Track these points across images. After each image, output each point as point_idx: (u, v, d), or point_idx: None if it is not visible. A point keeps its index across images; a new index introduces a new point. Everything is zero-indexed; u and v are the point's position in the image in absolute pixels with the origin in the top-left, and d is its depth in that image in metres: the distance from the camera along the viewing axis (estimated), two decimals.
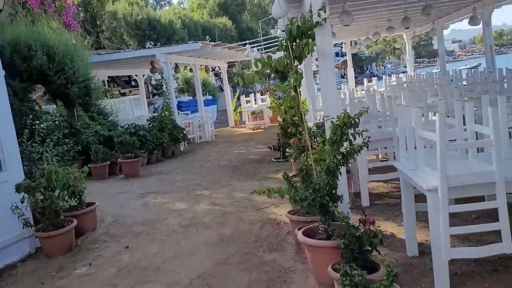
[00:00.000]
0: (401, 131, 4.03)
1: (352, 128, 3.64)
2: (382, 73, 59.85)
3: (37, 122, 10.41)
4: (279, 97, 9.69)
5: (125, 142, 9.29)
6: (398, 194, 5.94)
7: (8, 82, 9.88)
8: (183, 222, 5.82)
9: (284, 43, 4.99)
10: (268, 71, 5.22)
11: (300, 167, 4.08)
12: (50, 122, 10.34)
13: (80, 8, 25.11)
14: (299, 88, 5.00)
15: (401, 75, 15.57)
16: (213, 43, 12.85)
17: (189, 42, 12.41)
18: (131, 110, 17.55)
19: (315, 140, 6.08)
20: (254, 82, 5.28)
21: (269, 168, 8.82)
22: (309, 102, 10.70)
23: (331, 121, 3.82)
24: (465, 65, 51.29)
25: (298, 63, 5.03)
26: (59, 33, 10.96)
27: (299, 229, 4.18)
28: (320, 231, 3.75)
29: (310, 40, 4.77)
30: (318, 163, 4.95)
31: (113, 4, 27.81)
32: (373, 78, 18.77)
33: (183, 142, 12.39)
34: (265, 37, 27.42)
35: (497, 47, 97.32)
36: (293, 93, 5.49)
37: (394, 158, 5.64)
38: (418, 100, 6.26)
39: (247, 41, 15.63)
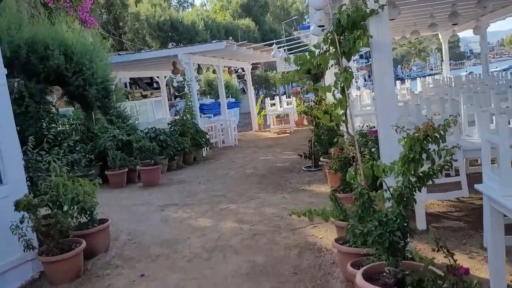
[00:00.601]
0: (486, 144, 3.17)
1: (435, 143, 2.78)
2: (407, 76, 58.29)
3: (54, 125, 9.85)
4: (310, 100, 8.83)
5: (144, 148, 8.58)
6: (459, 215, 5.05)
7: (25, 83, 9.38)
8: (207, 244, 5.03)
9: (330, 37, 4.17)
10: (308, 70, 4.41)
11: (359, 191, 3.25)
12: (66, 126, 9.73)
13: (103, 10, 24.77)
14: (348, 89, 4.17)
15: (437, 76, 14.56)
16: (238, 43, 12.11)
17: (214, 41, 11.70)
18: (152, 113, 16.96)
19: (361, 151, 5.22)
20: (288, 83, 4.45)
21: (300, 178, 7.99)
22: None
23: (407, 133, 2.94)
24: (496, 67, 49.40)
25: (346, 60, 4.20)
26: (77, 32, 10.37)
27: (353, 265, 3.36)
28: (385, 274, 2.91)
29: (363, 32, 3.94)
30: (368, 179, 4.15)
31: (136, 5, 27.40)
32: (396, 81, 17.75)
33: (205, 148, 11.66)
34: (288, 38, 26.58)
35: None
36: (336, 95, 4.69)
37: (455, 172, 4.75)
38: (485, 104, 5.35)
39: (274, 41, 14.82)
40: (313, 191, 6.99)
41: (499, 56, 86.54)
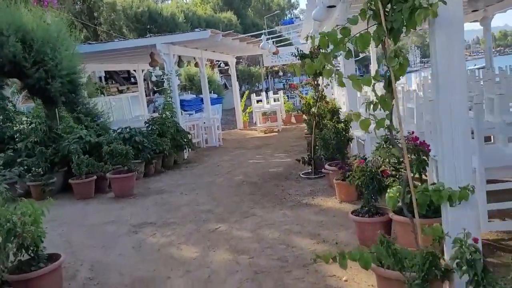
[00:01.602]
0: None
1: None
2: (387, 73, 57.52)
3: (9, 124, 8.38)
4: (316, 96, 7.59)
5: (116, 152, 7.19)
6: None
7: None
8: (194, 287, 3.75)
9: (372, 7, 2.92)
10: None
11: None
12: (24, 125, 8.28)
13: None
14: (401, 78, 2.92)
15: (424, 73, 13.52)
16: (223, 32, 10.79)
17: (196, 30, 10.34)
18: (128, 110, 15.47)
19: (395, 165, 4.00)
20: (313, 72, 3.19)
21: (299, 188, 6.75)
22: (345, 102, 8.67)
23: None
24: (474, 65, 49.10)
25: (393, 42, 2.96)
26: (38, 16, 8.89)
27: None
28: None
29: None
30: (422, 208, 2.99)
31: None
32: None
33: (187, 149, 10.33)
34: (270, 30, 25.31)
35: (501, 48, 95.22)
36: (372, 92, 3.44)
37: None
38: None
39: (262, 31, 13.54)
40: (319, 206, 5.75)
41: (475, 54, 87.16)
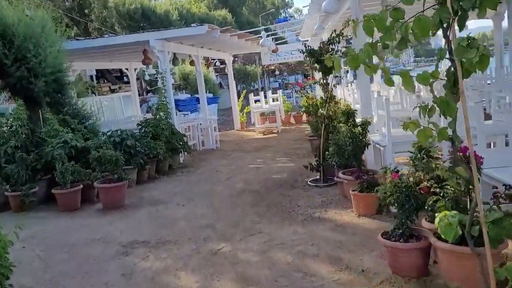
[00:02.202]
0: None
1: None
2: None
3: None
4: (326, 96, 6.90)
5: (104, 159, 6.43)
6: None
7: None
8: None
9: None
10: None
11: None
12: (4, 128, 7.50)
13: None
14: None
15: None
16: (221, 28, 10.06)
17: (193, 25, 9.60)
18: (120, 110, 14.69)
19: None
20: (357, 67, 2.48)
21: (308, 199, 6.04)
22: (352, 101, 8.01)
23: None
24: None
25: (459, 28, 2.26)
26: (21, 9, 8.12)
27: None
28: None
29: None
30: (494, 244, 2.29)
31: None
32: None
33: (183, 152, 9.59)
34: (265, 27, 24.59)
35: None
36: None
37: None
38: None
39: (262, 27, 12.82)
40: (334, 221, 5.05)
41: None
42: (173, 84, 18.33)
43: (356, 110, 5.57)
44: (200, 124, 11.91)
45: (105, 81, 23.23)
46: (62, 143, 7.00)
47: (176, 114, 12.47)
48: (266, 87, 30.09)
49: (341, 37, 6.40)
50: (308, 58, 6.62)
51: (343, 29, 6.38)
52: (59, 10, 22.24)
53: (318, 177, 6.96)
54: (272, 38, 12.92)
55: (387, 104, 4.92)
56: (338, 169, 5.98)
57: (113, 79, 23.67)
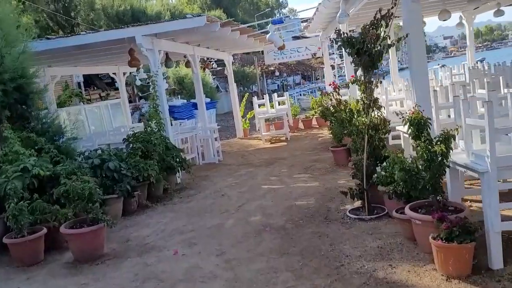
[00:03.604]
0: None
1: None
2: (382, 70, 55.47)
3: None
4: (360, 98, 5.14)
5: (73, 194, 4.64)
6: None
7: None
8: None
9: None
10: None
11: None
12: None
13: None
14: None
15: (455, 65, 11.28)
16: (221, 21, 8.31)
17: (188, 16, 7.82)
18: (108, 120, 12.88)
19: None
20: None
21: (357, 242, 4.29)
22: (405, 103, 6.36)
23: None
24: (438, 65, 46.71)
25: None
26: None
27: None
28: None
29: None
30: None
31: None
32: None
33: (180, 171, 7.83)
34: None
35: (489, 42, 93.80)
36: None
37: None
38: None
39: (270, 19, 11.06)
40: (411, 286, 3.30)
41: (463, 49, 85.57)
42: (167, 88, 16.55)
43: (430, 119, 3.80)
44: (200, 133, 10.15)
45: (95, 88, 21.42)
46: (21, 171, 5.22)
47: (171, 124, 10.75)
48: (265, 89, 28.37)
49: (390, 19, 4.67)
50: (345, 49, 4.87)
51: (392, 7, 4.65)
52: (43, 14, 20.52)
53: (359, 204, 5.23)
54: (280, 35, 11.19)
55: (489, 108, 3.17)
56: (398, 201, 4.23)
57: (104, 85, 21.84)
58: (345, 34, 4.88)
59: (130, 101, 19.03)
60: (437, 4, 9.86)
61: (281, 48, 11.14)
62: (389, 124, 5.00)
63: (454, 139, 3.58)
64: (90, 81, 20.67)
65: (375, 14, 4.74)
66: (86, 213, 4.73)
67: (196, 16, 7.41)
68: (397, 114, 4.05)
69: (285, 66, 28.73)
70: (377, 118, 5.02)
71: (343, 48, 4.89)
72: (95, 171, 6.04)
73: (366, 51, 4.72)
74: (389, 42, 4.73)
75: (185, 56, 10.49)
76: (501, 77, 6.18)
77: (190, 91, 17.10)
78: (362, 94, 5.05)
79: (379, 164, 5.03)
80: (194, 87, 10.90)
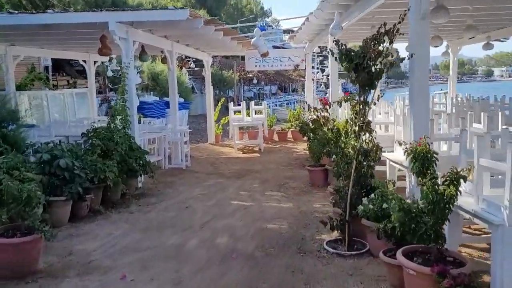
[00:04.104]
0: None
1: None
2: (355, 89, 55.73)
3: None
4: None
5: (7, 196, 3.86)
6: None
7: None
8: None
9: None
10: None
11: None
12: None
13: None
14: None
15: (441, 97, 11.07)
16: (205, 18, 7.66)
17: (170, 7, 7.11)
18: (72, 110, 11.95)
19: None
20: None
21: (333, 282, 3.71)
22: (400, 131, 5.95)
23: None
24: (441, 90, 47.47)
25: None
26: None
27: None
28: None
29: None
30: None
31: None
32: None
33: (142, 175, 7.08)
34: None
35: (459, 76, 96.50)
36: None
37: None
38: None
39: (257, 22, 10.48)
40: None
41: (435, 79, 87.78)
42: (140, 84, 15.72)
43: (437, 154, 3.27)
44: (169, 135, 9.41)
45: (64, 74, 20.24)
46: None
47: (140, 121, 9.97)
48: (241, 95, 27.75)
49: (394, 35, 4.15)
50: (341, 63, 4.31)
51: (399, 22, 4.13)
52: None
53: (338, 235, 4.66)
54: (265, 41, 10.60)
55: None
56: (387, 241, 3.68)
57: (74, 72, 20.66)
58: (344, 46, 4.33)
59: (100, 92, 18.02)
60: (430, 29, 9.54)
61: (265, 55, 10.57)
62: (382, 151, 4.46)
63: (465, 181, 3.05)
64: (59, 66, 19.49)
65: (379, 28, 4.21)
66: (22, 219, 3.95)
67: (179, 9, 6.72)
68: (400, 144, 3.49)
69: (264, 74, 28.24)
70: (368, 142, 4.48)
71: (339, 61, 4.32)
72: (44, 167, 5.25)
73: (365, 67, 4.18)
74: (396, 58, 4.21)
75: (162, 52, 9.74)
76: (500, 112, 5.82)
77: (164, 88, 16.29)
78: (354, 115, 4.50)
79: (364, 195, 4.50)
80: (168, 85, 10.16)
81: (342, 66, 4.41)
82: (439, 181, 3.14)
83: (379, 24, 4.16)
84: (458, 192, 3.04)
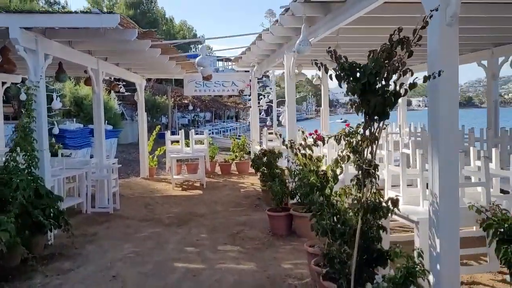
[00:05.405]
0: None
1: None
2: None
3: None
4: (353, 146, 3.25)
5: None
6: None
7: None
8: None
9: None
10: None
11: None
12: None
13: None
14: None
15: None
16: (141, 29, 6.15)
17: (94, 10, 5.50)
18: None
19: None
20: None
21: None
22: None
23: None
24: (341, 119, 47.76)
25: None
26: None
27: None
28: None
29: None
30: None
31: None
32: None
33: (52, 231, 5.27)
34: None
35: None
36: None
37: None
38: None
39: (201, 38, 8.48)
40: None
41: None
42: (60, 109, 13.61)
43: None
44: (93, 173, 7.61)
45: None
46: None
47: (57, 154, 8.10)
48: (175, 122, 26.03)
49: (411, 46, 2.96)
50: (342, 81, 3.04)
51: (422, 28, 2.95)
52: None
53: None
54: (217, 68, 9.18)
55: None
56: None
57: None
58: (344, 59, 3.06)
59: (15, 118, 15.51)
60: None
61: (208, 78, 9.19)
62: (398, 205, 3.17)
63: None
64: None
65: (391, 34, 3.00)
66: None
67: (106, 13, 5.15)
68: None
69: (200, 101, 26.83)
70: (373, 194, 3.20)
71: (336, 79, 3.06)
72: None
73: (377, 89, 2.93)
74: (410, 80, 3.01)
75: (86, 71, 7.98)
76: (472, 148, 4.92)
77: (89, 114, 14.28)
78: (357, 155, 3.20)
79: (374, 265, 3.19)
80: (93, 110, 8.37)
81: (340, 85, 3.13)
82: None
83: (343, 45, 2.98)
84: None
